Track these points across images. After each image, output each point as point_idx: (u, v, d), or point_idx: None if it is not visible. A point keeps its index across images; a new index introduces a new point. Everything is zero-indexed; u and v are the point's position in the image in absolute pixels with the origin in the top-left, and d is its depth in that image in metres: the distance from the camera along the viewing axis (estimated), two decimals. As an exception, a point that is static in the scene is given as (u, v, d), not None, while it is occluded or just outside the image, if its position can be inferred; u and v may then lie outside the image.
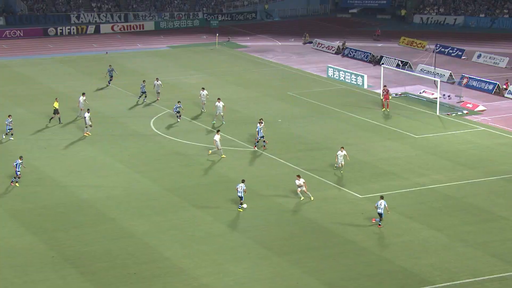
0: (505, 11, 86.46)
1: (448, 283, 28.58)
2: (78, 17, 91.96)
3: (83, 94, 51.52)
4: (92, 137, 47.07)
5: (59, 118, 49.64)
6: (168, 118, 51.37)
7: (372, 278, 29.07)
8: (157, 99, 55.30)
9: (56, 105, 49.65)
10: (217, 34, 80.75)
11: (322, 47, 77.10)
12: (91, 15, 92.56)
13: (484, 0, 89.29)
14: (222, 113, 49.12)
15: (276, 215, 35.06)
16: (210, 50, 77.25)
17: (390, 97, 52.76)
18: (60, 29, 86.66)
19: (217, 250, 31.54)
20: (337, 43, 76.74)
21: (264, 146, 44.14)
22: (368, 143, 45.41)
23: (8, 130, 46.19)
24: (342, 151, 40.08)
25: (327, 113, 52.41)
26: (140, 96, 54.86)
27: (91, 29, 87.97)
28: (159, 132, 48.18)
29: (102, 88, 60.05)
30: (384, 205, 33.24)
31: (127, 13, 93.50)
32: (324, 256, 30.96)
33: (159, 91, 55.40)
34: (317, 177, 39.85)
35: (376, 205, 33.45)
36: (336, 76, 63.03)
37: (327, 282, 28.87)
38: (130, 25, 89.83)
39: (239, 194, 35.37)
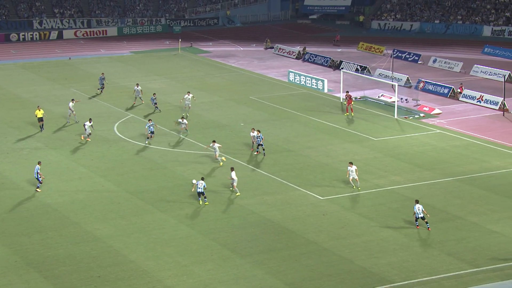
0: (459, 17, 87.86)
1: (406, 282, 28.88)
2: (40, 23, 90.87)
3: (72, 100, 50.88)
4: (56, 142, 46.54)
5: (42, 125, 48.44)
6: (132, 123, 51.05)
7: (333, 278, 29.23)
8: (134, 103, 55.32)
9: (39, 113, 48.23)
10: (180, 40, 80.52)
11: (283, 52, 77.38)
12: (54, 21, 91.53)
13: (439, 7, 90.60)
14: (190, 105, 51.22)
15: (239, 217, 35.06)
16: (173, 55, 76.98)
17: (353, 102, 53.09)
18: (23, 35, 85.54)
19: (181, 252, 31.42)
20: (297, 49, 77.09)
21: (258, 151, 43.51)
22: (328, 146, 45.69)
23: None
24: (351, 166, 37.81)
25: (289, 116, 52.61)
26: (155, 110, 53.21)
27: (53, 35, 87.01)
28: (122, 137, 47.83)
29: (95, 95, 59.32)
30: (422, 209, 32.96)
31: (90, 19, 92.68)
32: (287, 257, 31.04)
33: (140, 96, 55.07)
34: (279, 179, 39.95)
35: (414, 210, 33.08)
36: (297, 81, 63.29)
37: (290, 282, 28.95)
38: (93, 31, 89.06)
39: (199, 190, 35.92)
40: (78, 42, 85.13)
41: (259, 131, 43.76)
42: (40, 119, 48.39)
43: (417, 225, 33.54)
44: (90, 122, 46.31)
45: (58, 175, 40.55)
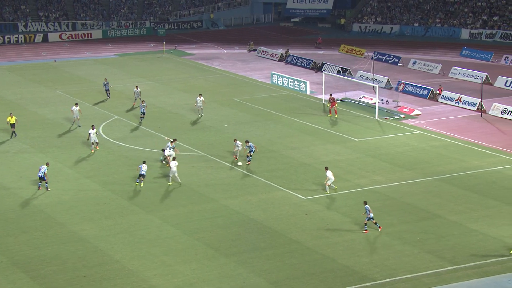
0: (437, 20, 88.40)
1: (388, 279, 29.00)
2: (25, 26, 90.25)
3: (76, 104, 50.29)
4: (41, 144, 46.26)
5: (14, 132, 47.44)
6: (117, 124, 50.86)
7: (316, 276, 29.29)
8: (134, 104, 55.17)
9: (11, 119, 47.37)
10: (164, 42, 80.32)
11: (266, 55, 77.44)
12: (39, 24, 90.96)
13: (418, 10, 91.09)
14: (202, 107, 51.32)
15: (223, 217, 35.04)
16: (157, 58, 76.77)
17: (336, 104, 53.15)
18: (8, 38, 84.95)
19: (166, 252, 31.34)
20: (280, 51, 77.18)
21: (249, 161, 42.19)
22: (311, 147, 45.78)
23: None
24: (328, 171, 37.65)
25: (272, 118, 52.65)
26: (141, 118, 50.69)
27: (39, 37, 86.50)
28: (108, 138, 47.63)
29: (102, 101, 58.96)
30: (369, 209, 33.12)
31: (75, 22, 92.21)
32: (270, 256, 31.06)
33: (140, 97, 54.69)
34: (262, 179, 39.96)
35: (366, 210, 33.15)
36: (280, 83, 63.37)
37: (273, 281, 28.97)
38: (78, 34, 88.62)
39: (142, 172, 38.50)
40: (63, 45, 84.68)
41: (247, 141, 42.60)
42: (13, 125, 47.22)
43: (366, 230, 33.07)
44: (93, 129, 44.52)
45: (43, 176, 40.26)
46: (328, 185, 37.86)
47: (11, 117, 47.81)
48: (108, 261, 30.43)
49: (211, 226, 34.01)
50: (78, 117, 49.59)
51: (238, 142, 42.76)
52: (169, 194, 37.84)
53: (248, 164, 41.93)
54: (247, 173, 40.92)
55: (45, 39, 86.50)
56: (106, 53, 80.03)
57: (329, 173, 37.71)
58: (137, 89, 55.54)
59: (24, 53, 79.14)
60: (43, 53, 79.37)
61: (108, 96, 57.61)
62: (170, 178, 39.16)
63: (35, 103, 57.26)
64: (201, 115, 51.89)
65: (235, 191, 38.22)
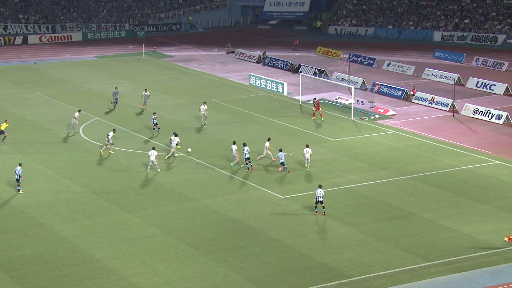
0: (411, 23, 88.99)
1: (363, 276, 29.12)
2: (5, 28, 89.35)
3: (79, 111, 49.34)
4: (22, 145, 45.83)
5: (4, 137, 46.65)
6: (97, 126, 50.54)
7: (294, 273, 29.33)
8: (145, 107, 54.29)
9: (3, 126, 46.65)
10: (143, 45, 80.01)
11: (244, 57, 77.43)
12: (19, 26, 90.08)
13: (392, 13, 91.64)
14: (206, 115, 50.11)
15: (203, 216, 34.97)
16: (137, 60, 76.43)
17: (321, 108, 53.13)
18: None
19: (146, 251, 31.20)
20: (258, 53, 77.20)
21: (249, 168, 41.27)
22: (288, 147, 45.79)
23: None
24: (307, 148, 41.02)
25: (250, 119, 52.64)
26: (153, 129, 48.30)
27: (18, 40, 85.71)
28: (88, 139, 47.32)
29: (109, 110, 58.36)
30: (323, 194, 34.64)
31: (55, 24, 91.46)
32: (249, 254, 31.05)
33: (146, 100, 54.09)
34: (241, 179, 39.95)
35: (316, 194, 34.72)
36: (258, 84, 63.39)
37: (252, 278, 28.96)
38: (58, 36, 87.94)
39: (152, 159, 39.70)
40: (43, 47, 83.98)
41: (244, 144, 41.62)
42: (1, 132, 46.60)
43: (316, 211, 34.75)
44: (113, 133, 44.03)
45: (24, 177, 39.78)
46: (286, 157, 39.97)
47: (5, 123, 46.76)
48: (89, 261, 30.22)
49: (190, 225, 33.92)
50: (77, 123, 48.27)
51: (233, 147, 41.54)
52: (149, 194, 37.68)
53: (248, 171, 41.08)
54: (226, 173, 40.85)
55: (25, 42, 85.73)
56: (86, 55, 79.50)
57: (306, 150, 40.26)
58: (146, 92, 54.55)
59: (4, 55, 78.34)
60: (23, 55, 78.65)
61: (115, 105, 54.83)
62: (149, 167, 39.92)
63: (16, 104, 56.72)
64: (204, 123, 50.18)
65: (214, 191, 38.16)
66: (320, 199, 34.48)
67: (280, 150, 41.12)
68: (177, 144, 43.21)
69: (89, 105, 56.15)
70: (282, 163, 40.66)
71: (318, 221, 34.43)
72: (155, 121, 48.06)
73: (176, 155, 43.21)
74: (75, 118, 48.18)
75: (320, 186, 35.11)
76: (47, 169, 41.50)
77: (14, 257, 30.45)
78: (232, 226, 33.89)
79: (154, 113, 49.09)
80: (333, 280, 28.78)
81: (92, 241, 32.12)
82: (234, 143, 42.02)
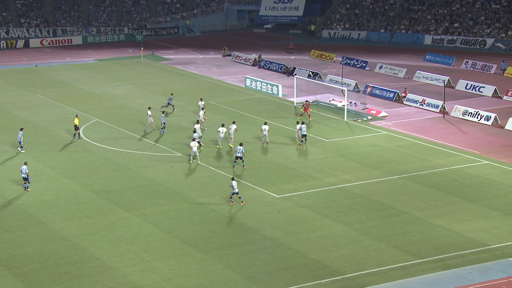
0: (402, 27, 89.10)
1: (356, 273, 29.14)
2: (7, 32, 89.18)
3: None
4: (23, 145, 45.71)
5: (78, 134, 46.92)
6: (97, 127, 50.49)
7: (289, 271, 29.33)
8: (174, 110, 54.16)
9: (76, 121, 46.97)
10: (142, 48, 79.95)
11: (240, 60, 77.43)
12: (20, 30, 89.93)
13: (384, 17, 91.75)
14: (203, 118, 49.33)
15: (200, 215, 34.95)
16: (136, 62, 76.37)
17: (310, 109, 53.04)
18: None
19: (145, 249, 31.18)
20: (253, 56, 77.20)
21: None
22: (283, 147, 45.85)
23: None
24: (299, 125, 44.45)
25: (246, 120, 52.63)
26: (162, 128, 48.22)
27: (20, 43, 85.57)
28: (88, 140, 47.26)
29: (83, 105, 58.20)
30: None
31: (56, 28, 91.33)
32: (245, 252, 31.05)
33: (171, 103, 53.90)
34: (237, 179, 39.91)
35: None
36: (253, 86, 63.40)
37: (248, 276, 28.96)
38: (58, 40, 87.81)
39: (194, 149, 41.36)
40: (44, 50, 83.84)
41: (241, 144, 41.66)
42: (76, 127, 46.79)
43: (232, 201, 35.64)
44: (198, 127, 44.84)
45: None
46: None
47: (77, 118, 47.37)
48: (89, 258, 30.18)
49: (188, 224, 33.90)
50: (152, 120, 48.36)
51: (233, 126, 45.03)
52: (147, 193, 37.65)
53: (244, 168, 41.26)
54: (223, 173, 40.83)
55: (26, 45, 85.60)
56: (86, 58, 79.40)
57: (299, 126, 43.66)
58: (171, 95, 54.30)
59: (6, 59, 78.20)
60: (25, 59, 78.51)
61: (173, 109, 54.40)
62: (191, 157, 42.08)
63: (17, 106, 56.63)
64: (205, 128, 49.44)
65: (211, 190, 38.14)
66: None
67: (241, 144, 41.10)
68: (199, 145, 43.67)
69: (89, 106, 56.08)
70: (240, 158, 40.73)
71: (313, 219, 34.42)
72: (164, 119, 48.38)
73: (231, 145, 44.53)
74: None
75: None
76: (48, 169, 41.43)
77: (16, 255, 30.40)
78: (228, 225, 33.88)
79: (163, 112, 49.46)
80: (327, 277, 28.79)
81: (92, 239, 32.07)
82: (233, 122, 45.61)
